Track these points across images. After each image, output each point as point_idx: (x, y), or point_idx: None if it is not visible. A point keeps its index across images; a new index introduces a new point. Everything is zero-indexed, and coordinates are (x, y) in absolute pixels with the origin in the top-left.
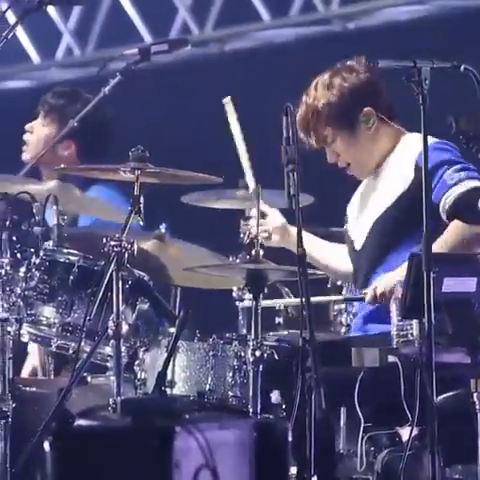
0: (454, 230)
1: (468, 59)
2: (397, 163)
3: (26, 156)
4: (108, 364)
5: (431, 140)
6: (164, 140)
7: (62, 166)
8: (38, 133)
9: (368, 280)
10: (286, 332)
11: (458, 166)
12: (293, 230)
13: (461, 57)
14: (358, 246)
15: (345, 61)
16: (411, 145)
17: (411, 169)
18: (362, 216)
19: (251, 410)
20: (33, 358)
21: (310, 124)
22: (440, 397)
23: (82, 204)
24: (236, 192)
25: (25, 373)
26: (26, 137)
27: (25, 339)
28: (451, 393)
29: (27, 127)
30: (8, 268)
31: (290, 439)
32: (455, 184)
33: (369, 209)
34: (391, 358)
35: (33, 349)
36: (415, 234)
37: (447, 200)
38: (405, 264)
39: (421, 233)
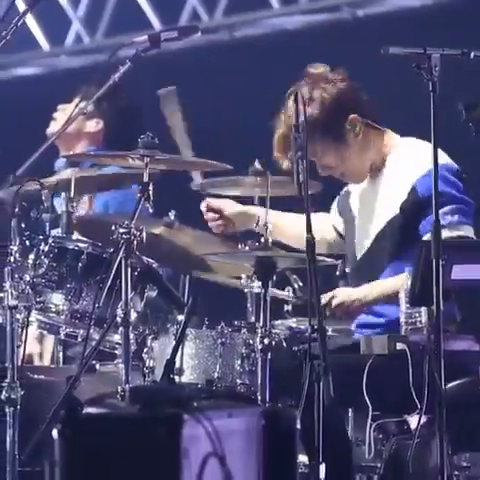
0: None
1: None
2: (395, 175)
3: (51, 130)
4: (117, 352)
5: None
6: None
7: (71, 153)
8: (69, 114)
9: None
10: (294, 319)
11: (453, 206)
12: (253, 210)
13: (472, 44)
14: (359, 255)
15: (309, 67)
16: (411, 161)
17: (406, 191)
18: (364, 225)
19: (259, 398)
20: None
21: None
22: (448, 385)
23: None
24: (246, 179)
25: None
26: (56, 114)
27: (34, 327)
28: (459, 381)
29: (60, 107)
30: (17, 255)
31: (298, 427)
32: (446, 226)
33: (371, 220)
34: (400, 345)
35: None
36: (404, 254)
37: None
38: (366, 285)
39: (410, 253)
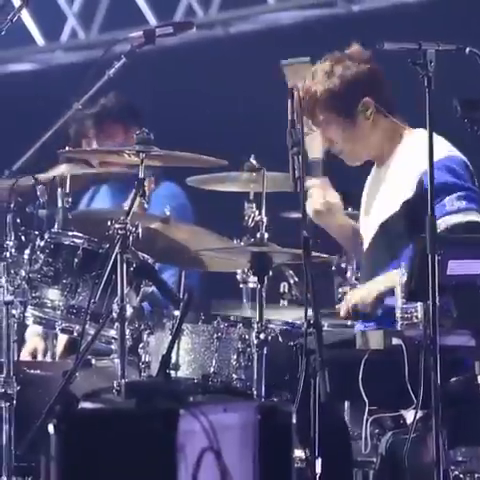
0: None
1: (476, 42)
2: (402, 166)
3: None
4: (112, 347)
5: (442, 153)
6: (169, 123)
7: (67, 149)
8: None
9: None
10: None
11: (462, 193)
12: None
13: (469, 39)
14: (364, 246)
15: (346, 48)
16: (418, 153)
17: (414, 183)
18: (368, 217)
19: (255, 393)
20: (32, 341)
21: (306, 109)
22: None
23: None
24: (241, 175)
25: (24, 355)
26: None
27: (29, 322)
28: (456, 378)
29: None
30: (13, 251)
31: (294, 422)
32: (454, 212)
33: (374, 211)
34: (395, 340)
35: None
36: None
37: (441, 225)
38: (382, 276)
39: None
